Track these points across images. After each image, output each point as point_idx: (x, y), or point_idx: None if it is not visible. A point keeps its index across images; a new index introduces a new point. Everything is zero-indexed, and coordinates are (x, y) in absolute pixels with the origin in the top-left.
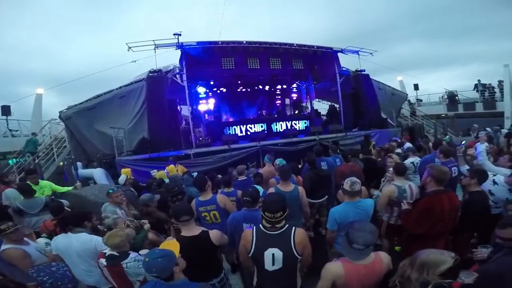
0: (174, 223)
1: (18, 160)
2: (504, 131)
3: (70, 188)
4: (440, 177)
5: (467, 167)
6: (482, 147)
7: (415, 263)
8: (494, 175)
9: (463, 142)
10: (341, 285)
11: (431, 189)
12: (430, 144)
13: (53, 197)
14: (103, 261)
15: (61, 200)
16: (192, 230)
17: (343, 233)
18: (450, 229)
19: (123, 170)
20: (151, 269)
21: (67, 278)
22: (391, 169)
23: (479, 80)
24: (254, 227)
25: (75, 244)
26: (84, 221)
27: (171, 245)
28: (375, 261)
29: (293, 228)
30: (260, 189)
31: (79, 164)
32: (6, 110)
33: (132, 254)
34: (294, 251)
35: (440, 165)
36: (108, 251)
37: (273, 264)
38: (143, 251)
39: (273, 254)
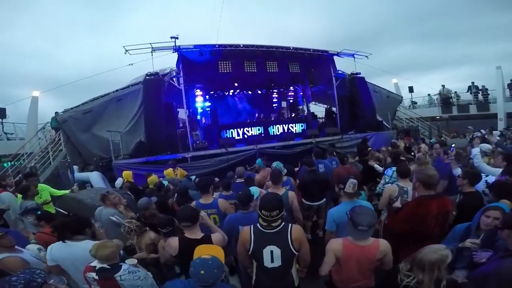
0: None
1: (13, 163)
2: (497, 132)
3: (66, 191)
4: (427, 181)
5: (459, 170)
6: (476, 150)
7: (423, 265)
8: (487, 176)
9: (453, 145)
10: (340, 260)
11: (420, 193)
12: (423, 146)
13: (39, 203)
14: (92, 275)
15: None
16: (195, 233)
17: (349, 222)
18: (438, 233)
19: (124, 173)
20: (208, 280)
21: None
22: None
23: (472, 82)
24: (252, 226)
25: (81, 253)
26: (86, 228)
27: (215, 250)
28: (372, 245)
29: (290, 225)
30: (257, 190)
31: (75, 167)
32: (2, 113)
33: (124, 266)
34: (292, 247)
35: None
36: (97, 264)
37: (272, 261)
38: (130, 261)
39: (271, 251)
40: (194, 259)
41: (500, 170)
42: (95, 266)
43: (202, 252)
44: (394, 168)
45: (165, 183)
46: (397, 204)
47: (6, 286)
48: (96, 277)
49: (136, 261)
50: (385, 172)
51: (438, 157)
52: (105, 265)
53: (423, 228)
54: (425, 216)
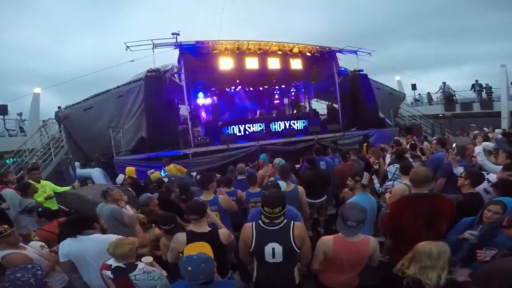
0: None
1: (15, 159)
2: (499, 131)
3: (68, 188)
4: (416, 179)
5: (460, 169)
6: (479, 148)
7: (429, 253)
8: (488, 174)
9: (454, 145)
10: (330, 256)
11: (412, 191)
12: (425, 144)
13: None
14: (108, 273)
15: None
16: (202, 227)
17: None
18: (433, 234)
19: (127, 169)
20: (199, 276)
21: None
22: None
23: (476, 80)
24: (254, 222)
25: (90, 245)
26: (94, 223)
27: (202, 246)
28: (362, 242)
29: (292, 222)
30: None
31: (76, 163)
32: (3, 110)
33: (140, 265)
34: (293, 244)
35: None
36: (113, 262)
37: (274, 257)
38: (146, 259)
39: (273, 249)
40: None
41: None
42: (111, 265)
43: (189, 251)
44: (397, 165)
45: (165, 180)
46: None
47: (18, 284)
48: (111, 276)
49: (151, 259)
50: (388, 169)
51: (440, 153)
52: (120, 264)
53: (409, 228)
54: (409, 216)
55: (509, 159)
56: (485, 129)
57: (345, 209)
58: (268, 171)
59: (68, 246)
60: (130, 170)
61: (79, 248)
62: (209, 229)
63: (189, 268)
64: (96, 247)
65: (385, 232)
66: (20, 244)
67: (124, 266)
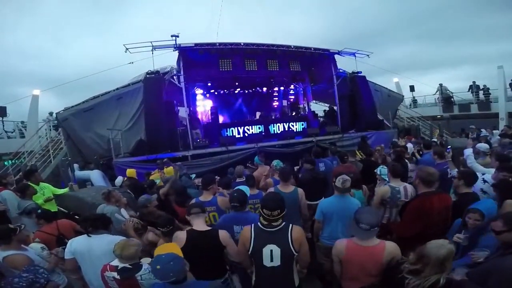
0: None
1: (14, 161)
2: (497, 132)
3: (66, 189)
4: (426, 179)
5: (457, 170)
6: (469, 151)
7: (428, 262)
8: (483, 174)
9: (449, 147)
10: (343, 261)
11: (421, 190)
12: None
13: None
14: (113, 274)
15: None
16: (202, 225)
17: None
18: (443, 231)
19: (128, 171)
20: (168, 274)
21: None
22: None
23: (474, 82)
24: (253, 225)
25: (99, 244)
26: (110, 224)
27: (171, 247)
28: (377, 246)
29: (290, 225)
30: (247, 190)
31: (75, 166)
32: (2, 111)
33: (145, 266)
34: (292, 247)
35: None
36: (119, 263)
37: (272, 260)
38: (145, 259)
39: (271, 251)
40: None
41: (492, 170)
42: (117, 266)
43: (158, 252)
44: (384, 167)
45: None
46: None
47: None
48: (118, 277)
49: (150, 260)
50: (378, 171)
51: (428, 154)
52: (127, 265)
53: (432, 225)
54: (431, 212)
55: (498, 161)
56: (483, 130)
57: (358, 212)
58: (263, 172)
59: (76, 244)
60: (131, 171)
61: (87, 246)
62: (209, 228)
63: (158, 266)
64: (104, 246)
65: (408, 234)
66: (22, 245)
67: (130, 266)
